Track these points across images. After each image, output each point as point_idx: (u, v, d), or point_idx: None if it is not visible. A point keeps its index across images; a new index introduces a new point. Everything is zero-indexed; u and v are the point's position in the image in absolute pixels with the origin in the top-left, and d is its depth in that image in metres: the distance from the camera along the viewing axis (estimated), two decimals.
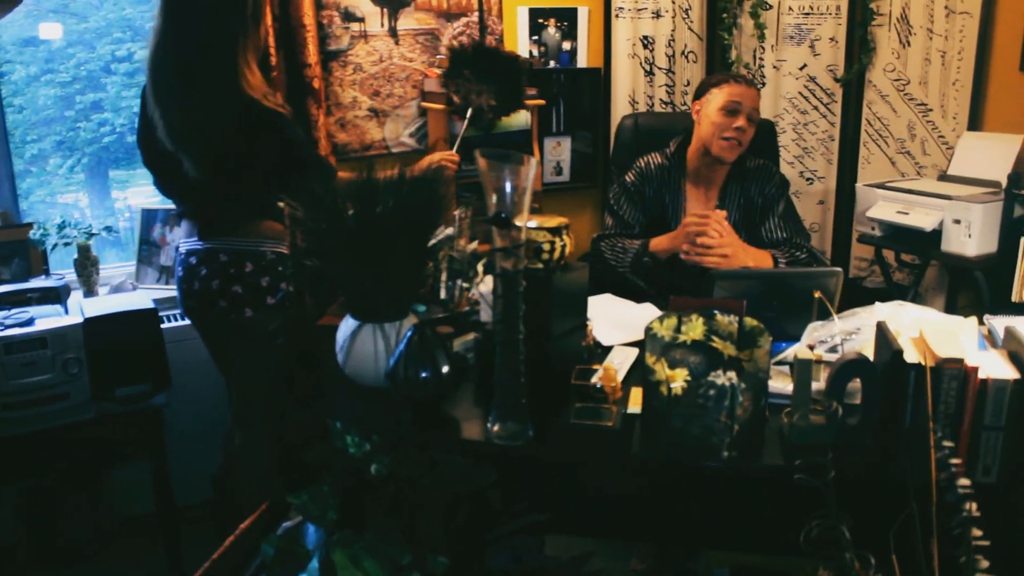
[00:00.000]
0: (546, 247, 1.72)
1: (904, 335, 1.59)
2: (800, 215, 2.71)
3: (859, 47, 3.58)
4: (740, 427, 1.55)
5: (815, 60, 3.63)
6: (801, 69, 3.65)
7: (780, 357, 1.91)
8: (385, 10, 3.03)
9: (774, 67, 3.65)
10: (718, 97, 2.52)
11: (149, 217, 3.05)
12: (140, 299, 2.60)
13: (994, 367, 1.48)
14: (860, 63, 3.58)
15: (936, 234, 2.96)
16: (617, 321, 2.13)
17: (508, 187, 1.54)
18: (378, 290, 1.77)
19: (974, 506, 1.17)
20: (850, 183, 3.70)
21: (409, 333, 1.71)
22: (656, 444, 1.61)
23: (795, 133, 3.71)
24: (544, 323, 1.72)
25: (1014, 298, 2.85)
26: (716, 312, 1.70)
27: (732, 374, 1.54)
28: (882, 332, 1.58)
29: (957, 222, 2.90)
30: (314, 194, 1.83)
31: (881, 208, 3.13)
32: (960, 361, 1.45)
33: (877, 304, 1.94)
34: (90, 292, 2.88)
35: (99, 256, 2.92)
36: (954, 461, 1.19)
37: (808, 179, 3.76)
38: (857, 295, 3.57)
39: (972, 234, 2.86)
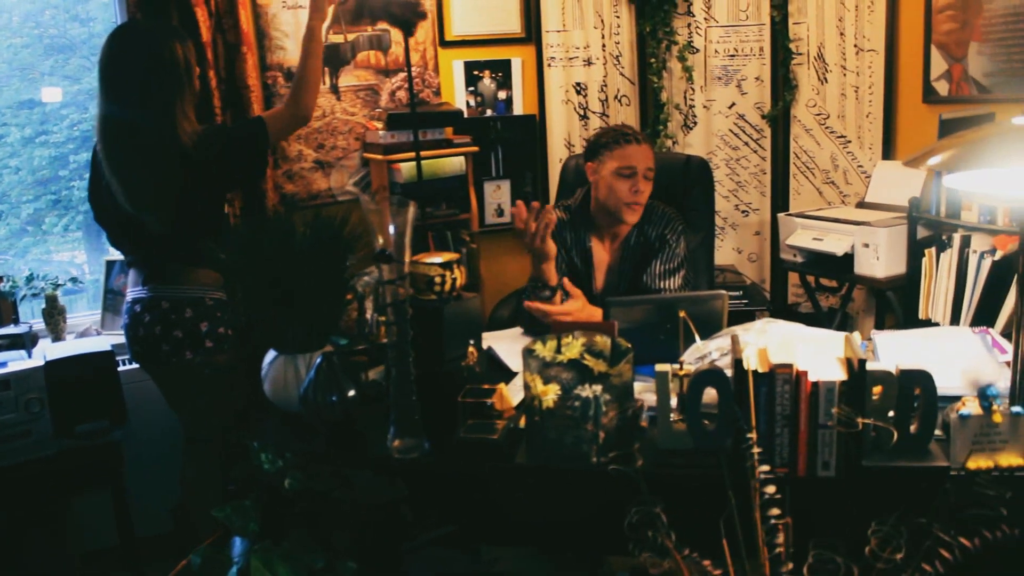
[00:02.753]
0: (437, 280, 1.91)
1: (752, 346, 1.77)
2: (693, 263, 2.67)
3: (783, 85, 3.80)
4: (606, 435, 1.73)
5: (743, 99, 3.85)
6: (730, 108, 3.87)
7: None
8: (326, 69, 3.26)
9: (704, 107, 3.87)
10: (611, 161, 2.53)
11: (113, 268, 3.26)
12: (99, 343, 2.80)
13: (824, 371, 1.65)
14: (784, 100, 3.80)
15: (849, 258, 3.15)
16: None
17: (392, 228, 1.74)
18: (289, 325, 1.96)
19: (772, 489, 1.35)
20: (783, 213, 3.89)
21: (318, 361, 1.90)
22: (534, 453, 1.78)
23: (728, 168, 3.92)
24: (437, 348, 1.91)
25: (921, 315, 3.04)
26: (593, 333, 1.89)
27: (597, 387, 1.72)
28: (734, 343, 1.77)
29: (866, 246, 3.09)
30: (237, 235, 2.03)
31: (799, 236, 3.32)
32: (790, 366, 1.63)
33: (749, 323, 2.11)
34: (57, 338, 3.07)
35: (74, 306, 3.13)
36: (755, 451, 1.37)
37: (744, 211, 3.96)
38: (791, 320, 3.75)
39: (880, 256, 3.05)
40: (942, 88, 3.24)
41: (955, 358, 1.93)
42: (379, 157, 3.20)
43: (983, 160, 1.65)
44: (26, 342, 2.75)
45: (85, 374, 2.65)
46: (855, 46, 3.53)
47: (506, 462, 1.79)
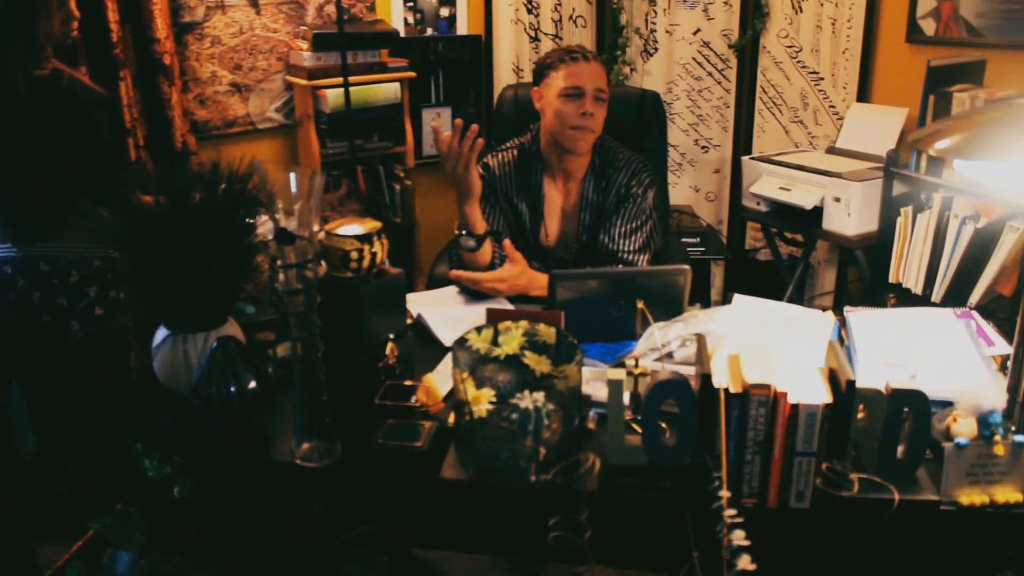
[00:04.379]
0: (354, 255, 1.62)
1: (722, 352, 1.53)
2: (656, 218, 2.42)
3: (752, 12, 3.49)
4: (548, 450, 1.48)
5: (709, 25, 3.54)
6: (695, 34, 3.55)
7: (623, 359, 1.84)
8: None
9: (667, 32, 3.55)
10: (557, 81, 2.24)
11: None
12: None
13: (807, 391, 1.41)
14: (754, 28, 3.49)
15: (818, 211, 2.91)
16: (461, 319, 2.04)
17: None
18: (178, 301, 1.66)
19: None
20: (746, 151, 3.63)
21: (213, 347, 1.62)
22: (464, 466, 1.54)
23: (689, 100, 3.63)
24: (353, 335, 1.63)
25: (891, 278, 2.83)
26: (536, 322, 1.63)
27: (539, 395, 1.46)
28: (700, 348, 1.52)
29: (837, 200, 2.85)
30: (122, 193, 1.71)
31: (765, 183, 3.07)
32: (768, 387, 1.39)
33: (714, 308, 1.88)
34: None
35: None
36: (723, 495, 1.14)
37: (703, 147, 3.69)
38: (748, 270, 3.54)
39: (852, 213, 2.81)
40: (928, 27, 2.96)
41: (942, 354, 1.73)
42: (303, 82, 2.84)
43: (1004, 149, 1.39)
44: None
45: None
46: None
47: (430, 474, 1.54)
